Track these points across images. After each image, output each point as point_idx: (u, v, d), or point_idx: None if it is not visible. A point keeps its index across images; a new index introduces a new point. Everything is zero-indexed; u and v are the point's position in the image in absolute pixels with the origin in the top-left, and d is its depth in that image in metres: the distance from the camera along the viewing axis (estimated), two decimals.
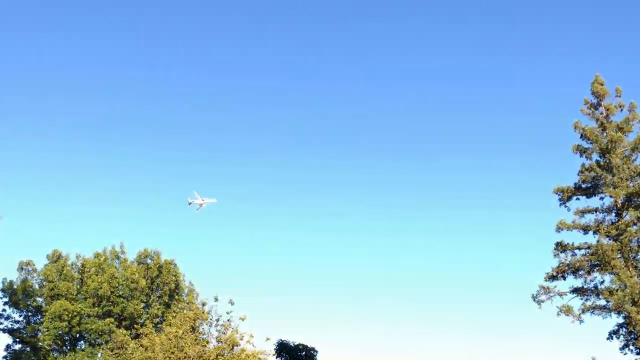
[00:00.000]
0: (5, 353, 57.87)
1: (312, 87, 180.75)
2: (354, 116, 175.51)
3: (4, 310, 58.38)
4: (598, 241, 43.32)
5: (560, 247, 45.03)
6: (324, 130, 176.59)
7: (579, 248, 44.64)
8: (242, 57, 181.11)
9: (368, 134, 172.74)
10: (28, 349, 57.34)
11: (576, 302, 44.09)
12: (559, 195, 45.96)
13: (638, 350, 42.58)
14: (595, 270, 43.76)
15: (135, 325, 51.17)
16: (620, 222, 43.41)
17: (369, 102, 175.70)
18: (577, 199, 45.81)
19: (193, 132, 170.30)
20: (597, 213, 44.92)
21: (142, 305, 58.84)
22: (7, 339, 58.54)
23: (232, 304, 44.08)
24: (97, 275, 58.48)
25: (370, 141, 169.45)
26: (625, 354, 43.35)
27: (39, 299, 59.08)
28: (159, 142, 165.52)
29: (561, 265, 44.61)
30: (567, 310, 43.31)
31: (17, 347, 58.29)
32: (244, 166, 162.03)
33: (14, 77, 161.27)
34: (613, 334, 43.70)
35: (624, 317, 42.46)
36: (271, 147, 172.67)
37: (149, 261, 61.63)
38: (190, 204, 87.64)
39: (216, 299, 44.11)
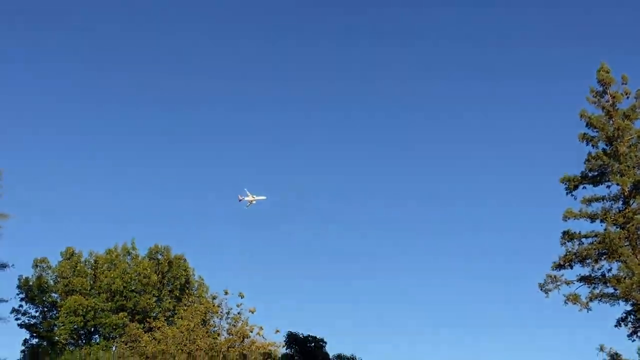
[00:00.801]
0: (23, 347, 59.19)
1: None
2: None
3: (20, 306, 59.60)
4: (605, 229, 43.28)
5: (567, 236, 44.95)
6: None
7: (586, 237, 44.57)
8: (274, 56, 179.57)
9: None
10: (45, 343, 58.51)
11: (583, 291, 44.15)
12: (566, 184, 45.84)
13: None
14: (602, 258, 43.74)
15: (148, 319, 52.16)
16: (627, 210, 43.37)
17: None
18: (584, 187, 45.68)
19: (194, 132, 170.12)
20: (604, 201, 44.78)
21: (154, 299, 59.78)
22: (24, 334, 59.86)
23: (242, 297, 44.89)
24: (109, 270, 59.52)
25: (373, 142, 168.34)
26: (633, 340, 43.49)
27: (54, 295, 60.21)
28: (165, 140, 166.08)
29: (568, 254, 44.58)
30: (574, 299, 43.38)
31: (35, 341, 59.52)
32: (242, 164, 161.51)
33: (18, 76, 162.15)
34: (621, 321, 43.79)
35: (632, 305, 42.56)
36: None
37: (159, 257, 62.50)
38: (240, 200, 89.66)
39: (226, 293, 44.98)
